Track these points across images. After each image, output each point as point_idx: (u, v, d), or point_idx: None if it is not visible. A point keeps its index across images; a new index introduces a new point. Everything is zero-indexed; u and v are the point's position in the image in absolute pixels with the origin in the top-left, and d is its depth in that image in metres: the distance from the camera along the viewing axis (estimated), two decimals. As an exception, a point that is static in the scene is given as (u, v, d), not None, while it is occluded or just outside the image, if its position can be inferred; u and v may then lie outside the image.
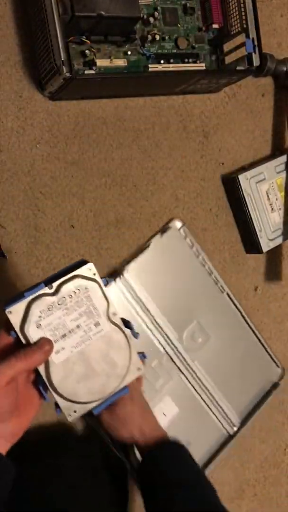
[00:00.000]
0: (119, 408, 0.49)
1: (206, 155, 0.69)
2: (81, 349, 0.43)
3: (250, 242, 0.71)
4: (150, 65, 0.60)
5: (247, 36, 0.61)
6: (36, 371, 0.42)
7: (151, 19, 0.60)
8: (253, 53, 0.61)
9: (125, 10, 0.54)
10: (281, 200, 0.71)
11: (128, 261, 0.64)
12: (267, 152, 0.74)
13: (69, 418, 0.44)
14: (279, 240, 0.72)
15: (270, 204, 0.71)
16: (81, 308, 0.43)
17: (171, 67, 0.61)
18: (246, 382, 0.70)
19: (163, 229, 0.66)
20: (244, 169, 0.70)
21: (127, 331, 0.45)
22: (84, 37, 0.56)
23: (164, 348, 0.65)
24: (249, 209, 0.69)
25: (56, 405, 0.43)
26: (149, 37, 0.60)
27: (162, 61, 0.61)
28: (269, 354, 0.72)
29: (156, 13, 0.60)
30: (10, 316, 0.40)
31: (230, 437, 0.68)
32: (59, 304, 0.42)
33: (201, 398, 0.67)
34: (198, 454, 0.65)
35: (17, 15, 0.57)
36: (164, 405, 0.65)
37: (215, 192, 0.70)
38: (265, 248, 0.70)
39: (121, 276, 0.62)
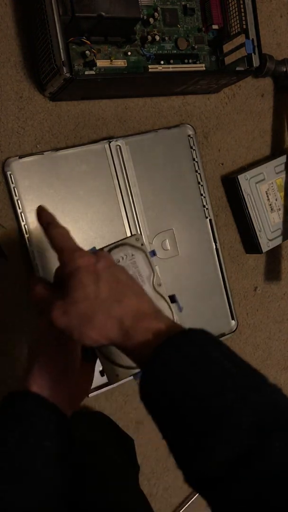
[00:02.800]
0: (76, 297, 0.35)
1: (205, 155, 0.69)
2: None
3: (250, 242, 0.71)
4: (150, 66, 0.60)
5: (247, 37, 0.61)
6: None
7: (151, 20, 0.60)
8: (252, 54, 0.62)
9: (125, 11, 0.54)
10: (280, 201, 0.71)
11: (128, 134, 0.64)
12: (267, 152, 0.74)
13: (112, 380, 0.43)
14: (278, 240, 0.72)
15: (270, 205, 0.71)
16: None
17: (171, 67, 0.61)
18: (196, 316, 0.68)
19: (173, 126, 0.67)
20: (243, 169, 0.70)
21: (172, 305, 0.46)
22: (84, 37, 0.56)
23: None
24: (249, 209, 0.69)
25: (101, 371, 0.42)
26: (149, 37, 0.60)
27: (162, 62, 0.61)
28: (229, 304, 0.70)
29: (156, 14, 0.60)
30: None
31: None
32: None
33: None
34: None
35: (17, 16, 0.57)
36: None
37: (215, 192, 0.70)
38: (264, 248, 0.71)
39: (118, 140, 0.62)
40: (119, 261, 0.44)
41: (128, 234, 0.64)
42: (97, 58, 0.57)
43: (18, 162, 0.57)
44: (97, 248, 0.44)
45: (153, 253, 0.46)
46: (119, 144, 0.63)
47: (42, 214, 0.41)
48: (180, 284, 0.68)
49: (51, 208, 0.58)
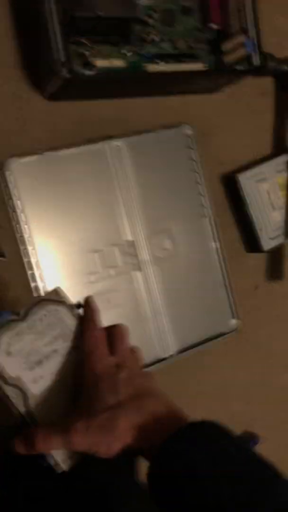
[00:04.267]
0: (97, 407, 0.36)
1: (205, 155, 0.69)
2: (63, 375, 0.40)
3: (251, 241, 0.71)
4: (148, 66, 0.60)
5: (247, 36, 0.61)
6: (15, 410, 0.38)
7: (150, 20, 0.60)
8: (252, 53, 0.62)
9: (123, 11, 0.54)
10: (282, 199, 0.71)
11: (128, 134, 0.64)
12: (268, 151, 0.74)
13: (62, 466, 0.38)
14: (280, 239, 0.72)
15: (271, 203, 0.71)
16: (54, 331, 0.41)
17: (170, 67, 0.61)
18: (195, 316, 0.68)
19: (172, 126, 0.66)
20: (244, 168, 0.70)
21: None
22: (83, 38, 0.56)
23: (131, 235, 0.64)
24: (250, 208, 0.69)
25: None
26: (148, 38, 0.60)
27: (160, 62, 0.61)
28: (230, 303, 0.70)
29: (154, 14, 0.61)
30: None
31: (160, 360, 0.65)
32: (29, 329, 0.40)
33: (148, 305, 0.65)
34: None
35: (15, 16, 0.57)
36: (112, 294, 0.63)
37: (215, 191, 0.70)
38: (266, 247, 0.71)
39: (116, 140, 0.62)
40: (41, 320, 0.40)
41: (128, 234, 0.64)
42: (96, 58, 0.57)
43: (17, 162, 0.57)
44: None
45: (79, 305, 0.44)
46: (118, 144, 0.63)
47: (88, 307, 0.43)
48: (180, 284, 0.68)
49: (50, 208, 0.59)
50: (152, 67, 0.60)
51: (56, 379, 0.40)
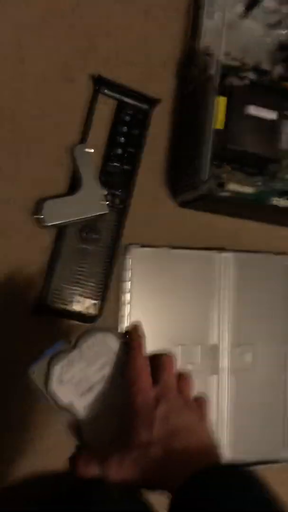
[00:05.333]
0: (131, 443, 0.37)
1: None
2: (111, 401, 0.41)
3: None
4: (273, 198, 0.67)
5: None
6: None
7: (285, 161, 0.68)
8: None
9: (267, 152, 0.62)
10: None
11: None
12: None
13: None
14: None
15: None
16: (102, 359, 0.42)
17: (291, 204, 0.68)
18: (256, 435, 0.69)
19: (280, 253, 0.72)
20: None
21: None
22: (224, 163, 0.64)
23: (216, 339, 0.67)
24: None
25: None
26: (279, 175, 0.68)
27: (286, 197, 0.68)
28: None
29: (289, 157, 0.68)
30: (33, 377, 0.41)
31: None
32: (79, 357, 0.41)
33: (215, 410, 0.66)
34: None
35: (172, 134, 0.67)
36: None
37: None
38: None
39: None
40: (90, 348, 0.42)
41: (215, 338, 0.68)
42: (230, 181, 0.65)
43: (138, 250, 0.65)
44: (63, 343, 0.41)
45: (126, 333, 0.44)
46: (228, 256, 0.69)
47: (133, 335, 0.44)
48: (246, 399, 0.69)
49: (153, 296, 0.65)
50: (276, 201, 0.67)
51: (105, 405, 0.41)
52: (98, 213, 0.60)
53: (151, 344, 0.64)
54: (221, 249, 0.69)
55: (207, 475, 0.33)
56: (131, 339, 0.43)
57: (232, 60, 0.64)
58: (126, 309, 0.64)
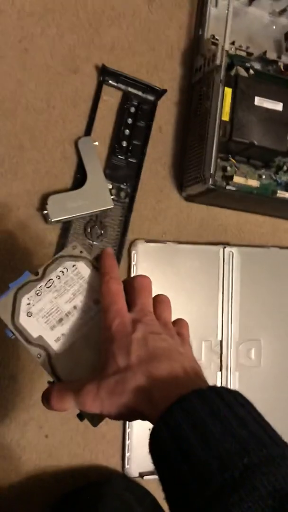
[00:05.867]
0: (108, 369, 0.34)
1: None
2: (85, 332, 0.38)
3: None
4: (278, 191, 0.66)
5: None
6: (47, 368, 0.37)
7: (291, 154, 0.67)
8: None
9: (274, 144, 0.61)
10: None
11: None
12: None
13: (94, 424, 0.37)
14: None
15: None
16: (73, 287, 0.39)
17: (298, 197, 0.67)
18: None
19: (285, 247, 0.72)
20: None
21: None
22: (230, 156, 0.63)
23: (221, 336, 0.67)
24: None
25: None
26: (285, 167, 0.67)
27: (290, 190, 0.67)
28: None
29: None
30: None
31: None
32: (47, 288, 0.38)
33: None
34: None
35: (178, 126, 0.66)
36: None
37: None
38: None
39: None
40: (59, 277, 0.39)
41: (219, 334, 0.67)
42: (235, 174, 0.64)
43: (144, 245, 0.63)
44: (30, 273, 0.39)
45: (97, 259, 0.41)
46: (233, 251, 0.68)
47: (105, 259, 0.39)
48: (253, 396, 0.68)
49: (158, 291, 0.64)
50: (281, 193, 0.66)
51: (78, 336, 0.38)
52: (103, 208, 0.59)
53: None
54: (226, 244, 0.68)
55: (195, 397, 0.30)
56: (103, 264, 0.39)
57: (238, 49, 0.62)
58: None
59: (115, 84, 0.62)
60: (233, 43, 0.63)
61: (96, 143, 0.61)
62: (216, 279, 0.68)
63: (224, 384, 0.67)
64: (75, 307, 0.39)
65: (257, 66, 0.66)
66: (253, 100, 0.60)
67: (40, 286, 0.38)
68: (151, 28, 0.65)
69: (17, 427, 0.57)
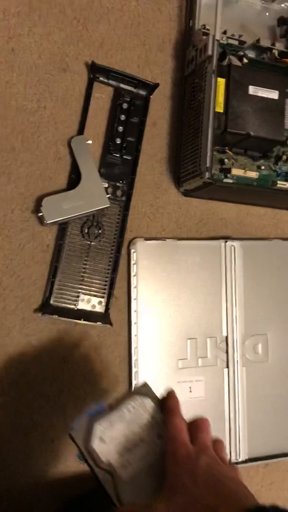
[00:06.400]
0: (177, 490, 0.38)
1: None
2: (149, 462, 0.43)
3: None
4: (278, 182, 0.65)
5: None
6: (103, 490, 0.42)
7: (289, 142, 0.65)
8: None
9: (271, 134, 0.60)
10: None
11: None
12: None
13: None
14: None
15: None
16: (140, 421, 0.44)
17: (298, 187, 0.65)
18: (272, 427, 0.68)
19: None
20: None
21: None
22: (227, 148, 0.62)
23: (227, 332, 0.66)
24: None
25: None
26: (284, 157, 0.65)
27: (290, 181, 0.65)
28: None
29: (295, 137, 0.66)
30: (74, 435, 0.42)
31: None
32: (120, 419, 0.44)
33: (228, 405, 0.65)
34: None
35: (172, 119, 0.64)
36: (194, 384, 0.64)
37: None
38: None
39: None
40: (130, 411, 0.45)
41: (224, 330, 0.66)
42: (233, 166, 0.63)
43: (143, 243, 0.62)
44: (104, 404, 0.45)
45: (163, 398, 0.47)
46: (234, 245, 0.67)
47: (170, 398, 0.46)
48: (263, 391, 0.68)
49: (160, 289, 0.64)
50: (281, 184, 0.65)
51: (143, 466, 0.43)
52: (99, 207, 0.58)
53: (160, 339, 0.63)
54: (227, 238, 0.67)
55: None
56: (168, 402, 0.45)
57: (230, 38, 0.61)
58: (134, 305, 0.62)
59: (106, 80, 0.61)
60: (225, 32, 0.62)
61: (90, 141, 0.60)
62: (218, 274, 0.66)
63: (231, 381, 0.66)
64: (141, 439, 0.44)
65: (252, 54, 0.65)
66: (247, 90, 0.59)
67: (113, 416, 0.44)
68: (141, 21, 0.63)
69: (22, 431, 0.56)
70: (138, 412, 0.44)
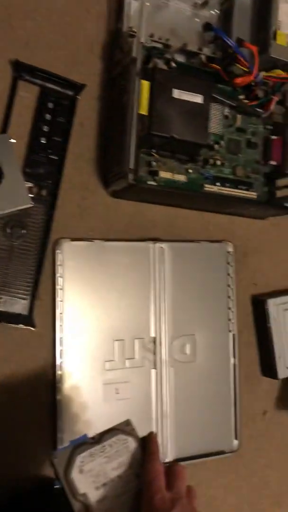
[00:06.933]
0: None
1: (241, 273, 0.73)
2: (123, 500, 0.44)
3: (267, 366, 0.72)
4: (206, 185, 0.66)
5: (299, 178, 0.66)
6: None
7: (216, 146, 0.66)
8: (303, 195, 0.67)
9: (195, 137, 0.60)
10: (305, 333, 0.73)
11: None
12: (302, 284, 0.77)
13: None
14: (296, 370, 0.73)
15: (294, 334, 0.72)
16: (121, 458, 0.46)
17: (225, 190, 0.66)
18: (199, 427, 0.68)
19: (215, 240, 0.72)
20: (274, 294, 0.73)
21: None
22: (153, 150, 0.62)
23: (155, 333, 0.66)
24: (272, 334, 0.71)
25: None
26: (211, 160, 0.66)
27: (218, 184, 0.66)
28: (235, 423, 0.70)
29: (222, 142, 0.67)
30: (55, 462, 0.43)
31: None
32: (100, 452, 0.45)
33: (155, 405, 0.66)
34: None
35: (100, 121, 0.64)
36: (121, 385, 0.64)
37: (243, 309, 0.73)
38: (281, 375, 0.71)
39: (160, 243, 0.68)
40: (111, 446, 0.46)
41: (152, 331, 0.66)
42: (160, 169, 0.63)
43: (69, 244, 0.62)
44: (89, 435, 0.46)
45: (143, 438, 0.48)
46: (163, 246, 0.67)
47: (151, 442, 0.48)
48: (191, 391, 0.69)
49: (87, 291, 0.63)
50: (210, 187, 0.66)
51: (118, 503, 0.44)
52: (21, 207, 0.57)
53: (86, 341, 0.63)
54: (155, 239, 0.67)
55: None
56: (149, 445, 0.48)
57: (156, 42, 0.61)
58: (59, 307, 0.61)
59: (31, 79, 0.60)
60: (151, 35, 0.62)
61: (13, 140, 0.59)
62: (147, 276, 0.67)
63: (158, 381, 0.66)
64: (119, 476, 0.45)
65: (181, 59, 0.65)
66: (172, 93, 0.59)
67: (95, 449, 0.45)
68: (68, 20, 0.63)
69: None
70: (119, 449, 0.46)
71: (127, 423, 0.48)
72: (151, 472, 0.45)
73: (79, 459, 0.44)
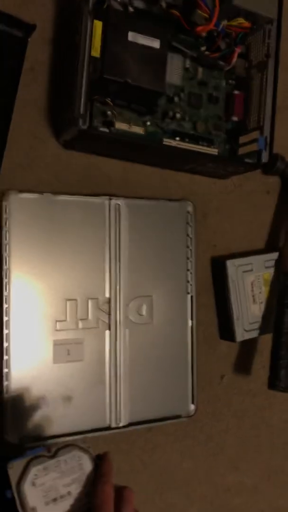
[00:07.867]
0: None
1: (200, 234, 0.70)
2: None
3: (226, 328, 0.71)
4: (165, 139, 0.63)
5: (261, 133, 0.64)
6: None
7: (176, 99, 0.63)
8: (263, 150, 0.64)
9: (151, 84, 0.57)
10: (264, 294, 0.72)
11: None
12: (261, 245, 0.75)
13: None
14: (255, 333, 0.71)
15: (253, 296, 0.71)
16: (73, 475, 0.46)
17: (185, 145, 0.63)
18: (155, 391, 0.67)
19: (175, 199, 0.69)
20: (234, 256, 0.71)
21: None
22: (108, 99, 0.59)
23: (109, 293, 0.64)
24: (231, 296, 0.69)
25: None
26: (171, 113, 0.63)
27: (177, 138, 0.63)
28: (192, 387, 0.68)
29: (182, 94, 0.64)
30: (10, 472, 0.44)
31: (108, 428, 0.63)
32: (54, 467, 0.46)
33: (109, 368, 0.63)
34: (71, 418, 0.60)
35: (53, 65, 0.61)
36: (73, 346, 0.62)
37: (202, 271, 0.71)
38: (239, 338, 0.70)
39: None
40: (66, 462, 0.46)
41: (107, 291, 0.64)
42: (117, 120, 0.60)
43: (17, 196, 0.58)
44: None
45: (98, 457, 0.49)
46: (119, 203, 0.64)
47: (105, 463, 0.48)
48: (147, 353, 0.66)
49: (36, 246, 0.60)
50: (169, 142, 0.63)
51: None
52: None
53: (35, 300, 0.60)
54: (111, 195, 0.64)
55: None
56: (102, 466, 0.48)
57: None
58: (5, 263, 0.58)
59: (-25, 16, 0.56)
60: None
61: None
62: (102, 233, 0.64)
63: (112, 343, 0.64)
64: (69, 493, 0.46)
65: (140, 5, 0.62)
66: (127, 36, 0.56)
67: (49, 463, 0.46)
68: None
69: None
70: (73, 466, 0.47)
71: (84, 440, 0.49)
72: (101, 496, 0.46)
73: (33, 472, 0.45)
